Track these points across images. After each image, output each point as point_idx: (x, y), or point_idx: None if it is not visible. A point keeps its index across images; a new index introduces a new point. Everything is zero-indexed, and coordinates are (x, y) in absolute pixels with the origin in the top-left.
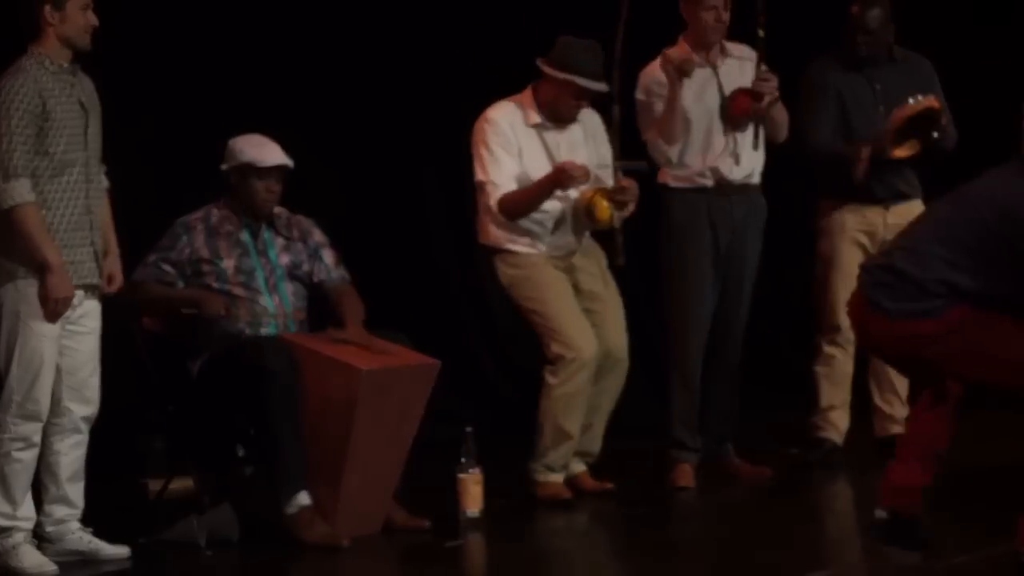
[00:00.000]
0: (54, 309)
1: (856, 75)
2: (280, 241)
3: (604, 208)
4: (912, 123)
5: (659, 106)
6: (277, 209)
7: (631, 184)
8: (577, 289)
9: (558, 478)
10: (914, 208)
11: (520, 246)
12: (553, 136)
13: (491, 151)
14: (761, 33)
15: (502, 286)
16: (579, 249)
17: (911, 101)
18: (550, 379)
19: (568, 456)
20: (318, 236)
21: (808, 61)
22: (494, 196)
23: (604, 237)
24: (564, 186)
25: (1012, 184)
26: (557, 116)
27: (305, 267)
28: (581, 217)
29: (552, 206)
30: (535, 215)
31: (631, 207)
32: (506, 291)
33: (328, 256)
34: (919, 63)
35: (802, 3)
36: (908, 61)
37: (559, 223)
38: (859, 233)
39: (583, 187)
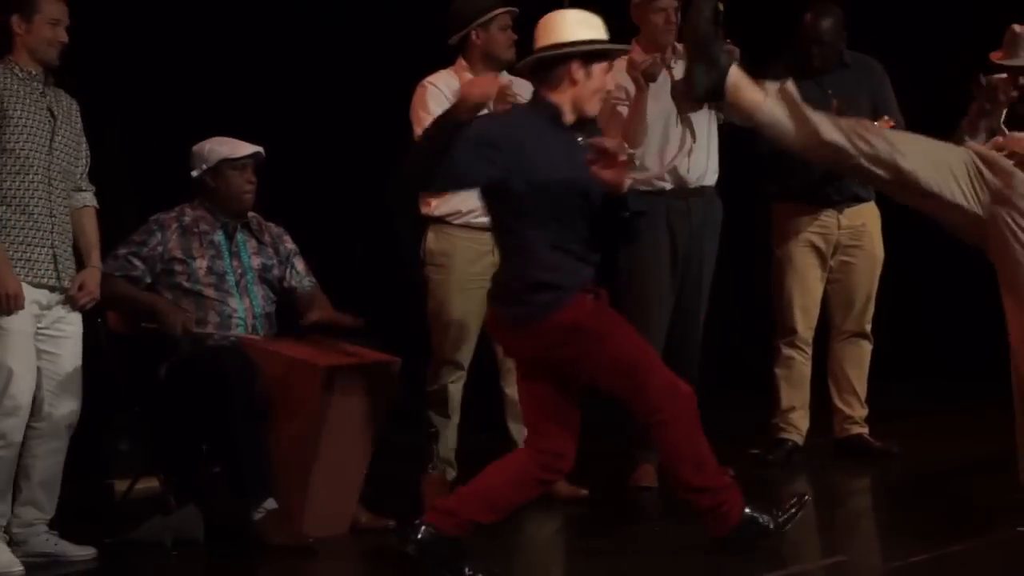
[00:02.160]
0: (2, 304)
1: (807, 80)
2: (253, 243)
3: None
4: None
5: (617, 108)
6: (250, 214)
7: None
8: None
9: (440, 473)
10: (867, 211)
11: (453, 209)
12: None
13: (428, 110)
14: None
15: (420, 253)
16: None
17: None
18: (427, 376)
19: (448, 450)
20: (289, 244)
21: (760, 67)
22: None
23: None
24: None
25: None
26: (495, 63)
27: (276, 271)
28: None
29: None
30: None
31: None
32: (422, 259)
33: (299, 264)
34: (870, 66)
35: (754, 5)
36: (860, 64)
37: None
38: (814, 236)
39: None
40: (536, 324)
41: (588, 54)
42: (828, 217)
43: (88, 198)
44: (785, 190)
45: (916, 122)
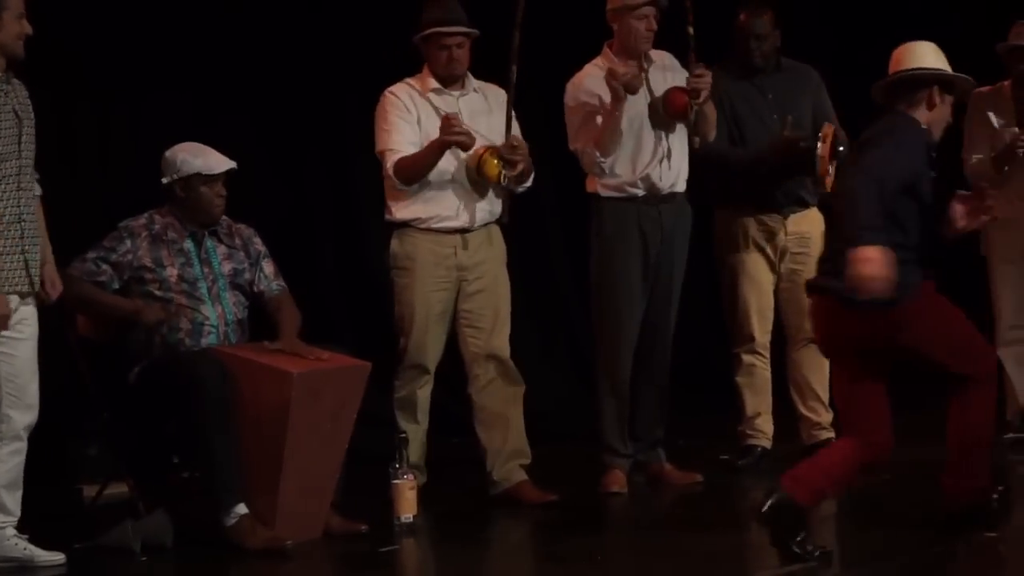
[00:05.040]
0: None
1: (747, 84)
2: (223, 249)
3: (493, 165)
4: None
5: (591, 115)
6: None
7: (521, 143)
8: (460, 292)
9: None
10: (811, 217)
11: (415, 215)
12: (452, 101)
13: (388, 121)
14: (691, 31)
15: (387, 257)
16: (476, 232)
17: (818, 147)
18: (395, 381)
19: (418, 456)
20: (259, 245)
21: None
22: (391, 160)
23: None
24: (447, 140)
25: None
26: (446, 77)
27: (247, 275)
28: (471, 174)
29: (441, 176)
30: (431, 183)
31: (521, 166)
32: (388, 263)
33: (268, 267)
34: (807, 72)
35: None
36: (796, 70)
37: (450, 192)
38: (761, 240)
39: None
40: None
41: (947, 83)
42: (774, 223)
43: (36, 187)
44: (728, 196)
45: (850, 128)
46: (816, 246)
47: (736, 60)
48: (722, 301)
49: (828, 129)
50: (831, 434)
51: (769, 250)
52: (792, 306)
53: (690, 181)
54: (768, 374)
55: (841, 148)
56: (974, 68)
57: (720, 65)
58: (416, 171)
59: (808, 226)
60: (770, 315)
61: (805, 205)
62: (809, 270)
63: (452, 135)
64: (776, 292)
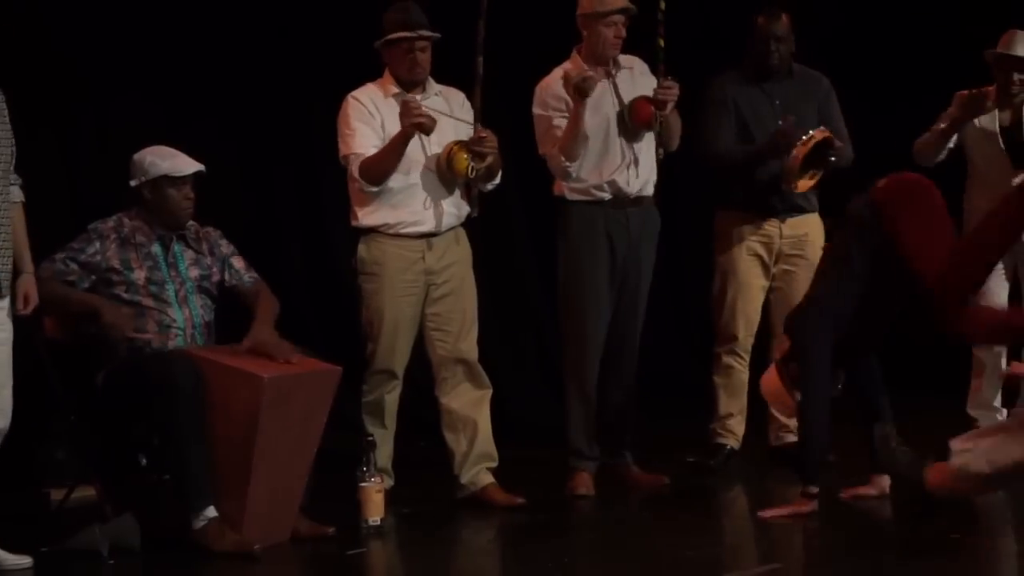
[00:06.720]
0: None
1: (755, 89)
2: (190, 254)
3: (462, 159)
4: (810, 156)
5: (557, 120)
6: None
7: (490, 135)
8: (427, 296)
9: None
10: (810, 221)
11: (382, 220)
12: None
13: (351, 126)
14: (661, 43)
15: (353, 262)
16: (443, 235)
17: (803, 137)
18: (363, 386)
19: (385, 459)
20: (226, 247)
21: (709, 76)
22: (355, 164)
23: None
24: (410, 123)
25: None
26: (408, 81)
27: (215, 278)
28: (441, 170)
29: (406, 180)
30: (397, 188)
31: (490, 159)
32: (355, 268)
33: (238, 262)
34: (818, 80)
35: (700, 15)
36: (806, 76)
37: (416, 197)
38: (756, 244)
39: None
40: None
41: None
42: (771, 226)
43: (16, 192)
44: (729, 198)
45: (859, 136)
46: (813, 249)
47: (751, 63)
48: (711, 300)
49: (819, 133)
50: (796, 438)
51: (765, 255)
52: (779, 307)
53: (682, 185)
54: (745, 377)
55: (833, 158)
56: (966, 70)
57: (732, 68)
58: (382, 168)
59: (806, 228)
60: (756, 319)
61: (803, 211)
62: (801, 272)
63: (413, 118)
64: (768, 292)
